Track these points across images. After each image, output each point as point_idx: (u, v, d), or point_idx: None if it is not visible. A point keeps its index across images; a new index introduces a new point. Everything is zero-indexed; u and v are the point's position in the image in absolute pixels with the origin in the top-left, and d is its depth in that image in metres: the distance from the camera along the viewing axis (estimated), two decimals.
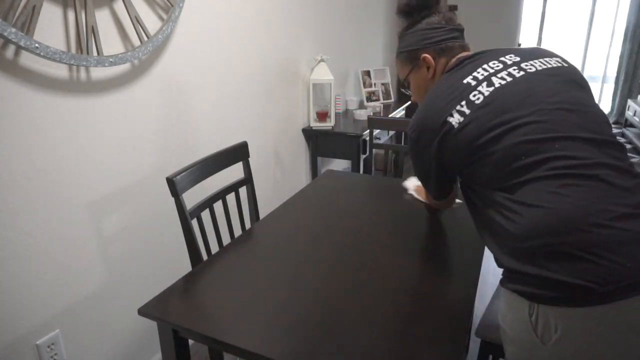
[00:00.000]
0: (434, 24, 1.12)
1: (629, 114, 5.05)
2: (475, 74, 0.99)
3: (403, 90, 1.49)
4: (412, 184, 1.55)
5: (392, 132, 3.43)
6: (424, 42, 1.12)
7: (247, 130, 2.22)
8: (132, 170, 1.58)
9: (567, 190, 0.81)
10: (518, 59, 1.00)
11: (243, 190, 1.65)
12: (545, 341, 0.82)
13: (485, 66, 1.00)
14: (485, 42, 6.22)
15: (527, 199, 0.84)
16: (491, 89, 0.95)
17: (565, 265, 0.78)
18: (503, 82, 0.95)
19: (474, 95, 0.95)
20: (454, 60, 1.10)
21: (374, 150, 2.76)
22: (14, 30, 1.09)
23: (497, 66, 0.99)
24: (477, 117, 0.93)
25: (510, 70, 0.97)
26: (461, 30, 1.15)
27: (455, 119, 0.95)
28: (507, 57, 1.01)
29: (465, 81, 0.98)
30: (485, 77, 0.97)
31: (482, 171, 0.92)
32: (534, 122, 0.88)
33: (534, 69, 0.97)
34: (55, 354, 1.37)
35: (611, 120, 5.86)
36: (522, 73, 0.96)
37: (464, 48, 1.13)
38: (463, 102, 0.96)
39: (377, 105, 3.41)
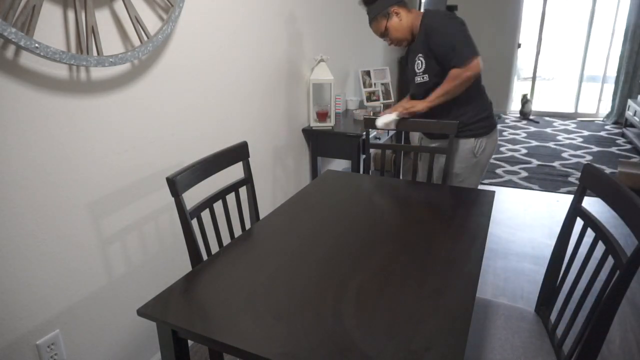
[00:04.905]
0: None
1: (629, 114, 5.05)
2: None
3: (384, 40, 2.06)
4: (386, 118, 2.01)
5: (392, 132, 3.43)
6: (389, 3, 1.92)
7: (247, 130, 2.22)
8: (132, 170, 1.58)
9: None
10: None
11: (243, 190, 1.64)
12: (477, 155, 1.93)
13: None
14: (486, 42, 6.22)
15: None
16: None
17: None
18: None
19: None
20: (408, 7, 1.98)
21: (372, 150, 2.76)
22: (14, 30, 1.09)
23: None
24: None
25: None
26: None
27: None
28: None
29: None
30: None
31: None
32: None
33: None
34: (55, 354, 1.37)
35: (611, 121, 5.87)
36: None
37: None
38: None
39: (377, 105, 3.41)
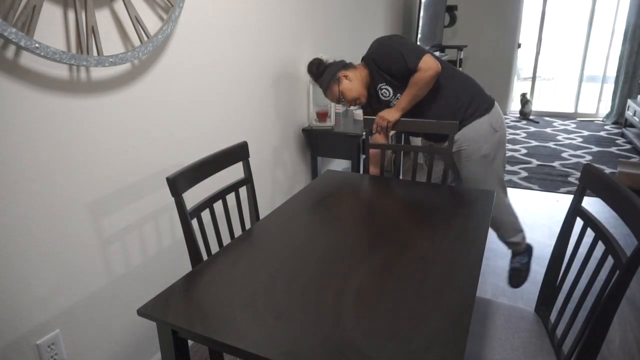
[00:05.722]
0: (330, 64, 2.09)
1: (628, 114, 5.05)
2: None
3: (342, 104, 2.10)
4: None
5: (392, 132, 3.43)
6: (336, 70, 2.05)
7: (247, 130, 2.22)
8: (132, 170, 1.58)
9: None
10: None
11: (243, 190, 1.65)
12: (498, 128, 1.99)
13: None
14: (486, 42, 6.23)
15: None
16: None
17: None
18: None
19: None
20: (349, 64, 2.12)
21: (371, 150, 2.76)
22: (14, 30, 1.09)
23: None
24: None
25: None
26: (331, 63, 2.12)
27: None
28: None
29: None
30: None
31: None
32: None
33: None
34: (55, 354, 1.37)
35: (611, 121, 5.87)
36: None
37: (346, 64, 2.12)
38: None
39: None
